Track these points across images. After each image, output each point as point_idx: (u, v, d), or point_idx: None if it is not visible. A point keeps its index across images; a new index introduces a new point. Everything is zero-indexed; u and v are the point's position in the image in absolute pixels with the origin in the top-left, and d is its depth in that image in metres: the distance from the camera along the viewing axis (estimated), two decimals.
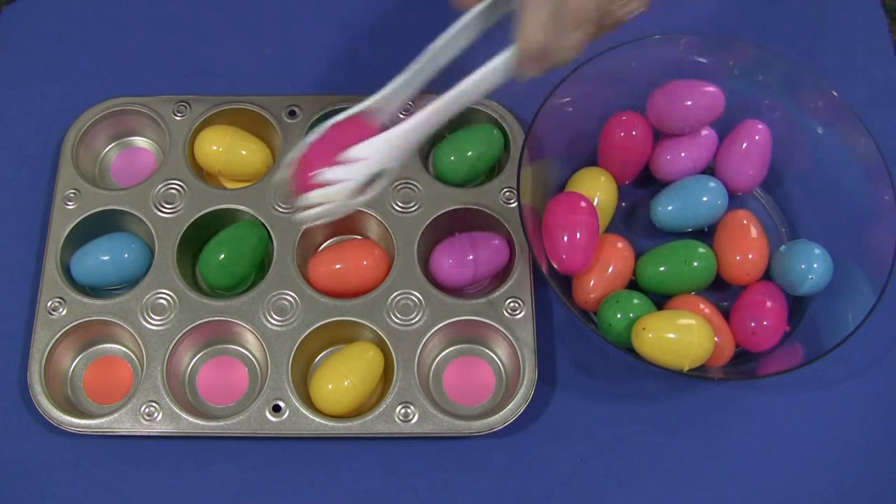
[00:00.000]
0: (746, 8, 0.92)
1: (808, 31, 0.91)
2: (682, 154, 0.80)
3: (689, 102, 0.78)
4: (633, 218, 0.82)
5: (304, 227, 0.56)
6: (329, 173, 0.55)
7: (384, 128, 0.58)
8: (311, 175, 0.55)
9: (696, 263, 0.75)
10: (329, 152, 0.56)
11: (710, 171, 0.82)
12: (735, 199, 0.81)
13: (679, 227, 0.79)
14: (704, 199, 0.78)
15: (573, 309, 0.71)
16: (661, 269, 0.76)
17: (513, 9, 0.56)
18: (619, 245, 0.76)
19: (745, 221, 0.77)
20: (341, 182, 0.56)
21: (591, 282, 0.75)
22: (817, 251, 0.74)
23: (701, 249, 0.76)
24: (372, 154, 0.57)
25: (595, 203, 0.77)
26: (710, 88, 0.78)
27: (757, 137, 0.79)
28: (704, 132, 0.80)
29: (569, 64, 0.56)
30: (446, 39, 0.58)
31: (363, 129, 0.57)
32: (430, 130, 0.59)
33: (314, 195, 0.56)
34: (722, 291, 0.78)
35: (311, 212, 0.56)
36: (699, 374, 0.72)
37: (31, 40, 0.90)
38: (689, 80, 0.79)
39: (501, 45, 0.58)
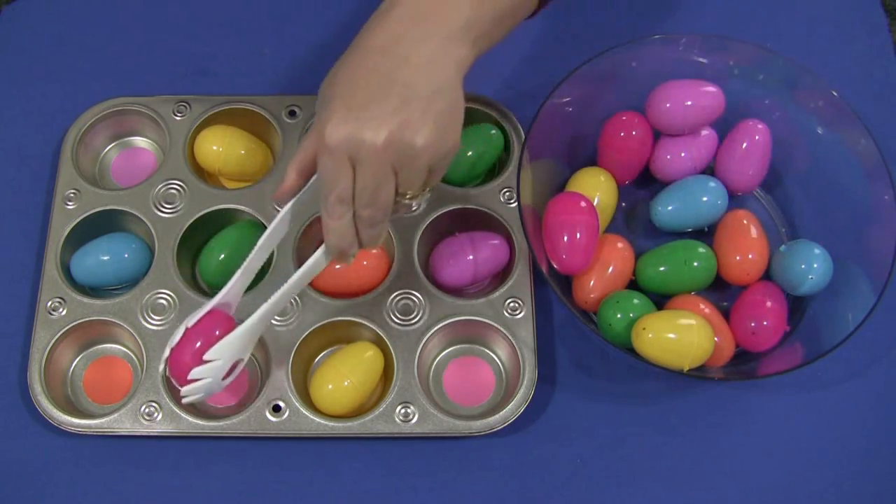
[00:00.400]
0: (746, 8, 0.92)
1: (808, 31, 0.91)
2: (682, 154, 0.79)
3: (689, 102, 0.78)
4: (633, 218, 0.82)
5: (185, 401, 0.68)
6: (196, 371, 0.65)
7: (232, 314, 0.69)
8: (184, 374, 0.66)
9: (696, 263, 0.75)
10: (196, 348, 0.66)
11: (709, 171, 0.82)
12: (735, 199, 0.81)
13: (679, 227, 0.79)
14: (704, 199, 0.78)
15: (573, 309, 0.71)
16: (661, 269, 0.76)
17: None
18: (619, 245, 0.76)
19: (745, 221, 0.77)
20: (207, 379, 0.66)
21: (591, 282, 0.75)
22: (817, 251, 0.74)
23: (701, 249, 0.76)
24: (227, 353, 0.66)
25: (595, 203, 0.77)
26: (710, 88, 0.78)
27: (757, 137, 0.78)
28: (704, 132, 0.80)
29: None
30: (268, 233, 0.67)
31: (218, 320, 0.67)
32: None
33: (188, 389, 0.66)
34: (722, 291, 0.78)
35: (190, 398, 0.66)
36: (699, 374, 0.72)
37: (31, 40, 0.90)
38: (689, 79, 0.79)
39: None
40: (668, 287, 0.76)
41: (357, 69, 0.59)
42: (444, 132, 0.59)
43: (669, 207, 0.78)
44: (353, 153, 0.58)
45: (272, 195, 0.66)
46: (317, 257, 0.66)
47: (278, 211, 0.67)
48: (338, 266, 0.71)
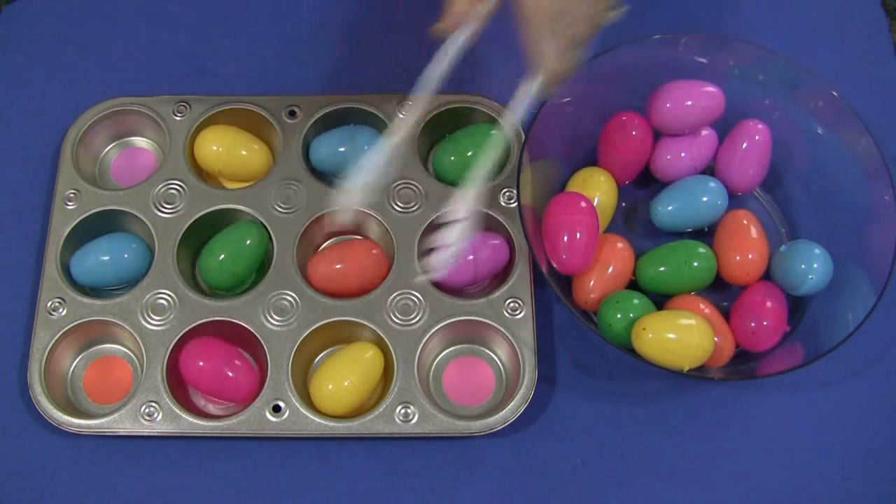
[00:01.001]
0: (746, 8, 0.92)
1: (808, 31, 0.91)
2: (682, 154, 0.79)
3: (689, 102, 0.78)
4: (633, 218, 0.82)
5: (431, 276, 0.70)
6: (441, 238, 0.67)
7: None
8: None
9: (696, 263, 0.75)
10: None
11: (709, 171, 0.82)
12: (735, 199, 0.81)
13: (679, 227, 0.79)
14: (704, 199, 0.78)
15: (573, 309, 0.71)
16: (661, 269, 0.76)
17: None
18: (619, 245, 0.76)
19: (745, 221, 0.77)
20: (453, 243, 0.68)
21: (591, 282, 0.75)
22: (817, 251, 0.74)
23: (701, 249, 0.75)
24: (465, 210, 0.68)
25: (595, 203, 0.77)
26: (710, 88, 0.78)
27: (757, 137, 0.78)
28: (704, 132, 0.80)
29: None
30: (437, 66, 0.68)
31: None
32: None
33: (436, 260, 0.68)
34: (722, 292, 0.78)
35: (438, 272, 0.70)
36: (699, 374, 0.72)
37: (31, 40, 0.90)
38: (689, 80, 0.79)
39: None
40: (668, 287, 0.76)
41: None
42: None
43: (669, 207, 0.78)
44: None
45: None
46: (532, 90, 0.67)
47: (281, 210, 0.66)
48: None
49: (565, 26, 0.63)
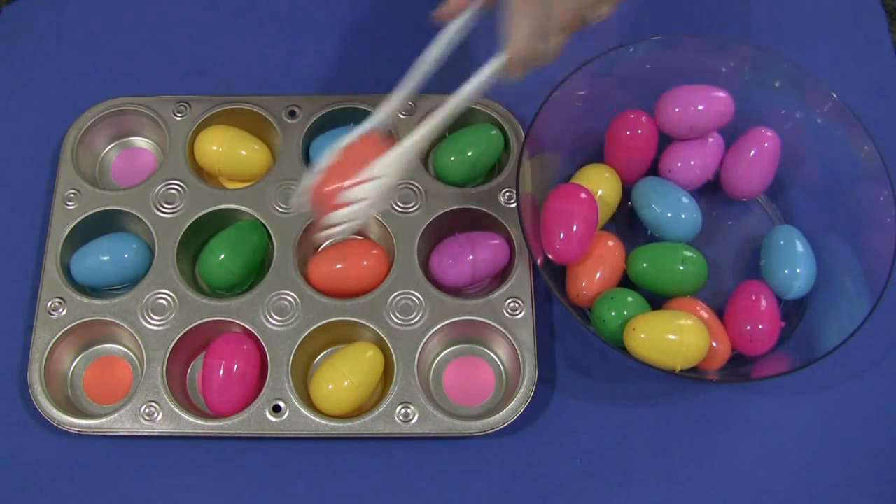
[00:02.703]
0: (745, 9, 0.92)
1: (808, 32, 0.91)
2: (692, 163, 0.79)
3: (697, 107, 0.77)
4: (637, 218, 0.81)
5: (325, 241, 0.66)
6: (350, 193, 0.61)
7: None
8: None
9: (682, 267, 0.74)
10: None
11: (715, 176, 0.81)
12: (738, 204, 0.81)
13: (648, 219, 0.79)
14: (683, 215, 0.77)
15: (565, 303, 0.71)
16: (652, 264, 0.75)
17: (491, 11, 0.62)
18: (610, 243, 0.76)
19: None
20: (361, 200, 0.62)
21: (584, 276, 0.74)
22: (800, 248, 0.74)
23: (690, 254, 0.75)
24: (386, 170, 0.63)
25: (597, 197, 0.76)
26: (720, 94, 0.77)
27: (766, 144, 0.78)
28: (711, 139, 0.80)
29: (549, 64, 0.62)
30: (433, 51, 0.64)
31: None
32: (433, 138, 0.66)
33: (338, 215, 0.62)
34: (715, 295, 0.77)
35: (335, 229, 0.62)
36: (693, 375, 0.71)
37: (31, 40, 0.90)
38: (698, 85, 0.78)
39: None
40: (657, 284, 0.75)
41: None
42: None
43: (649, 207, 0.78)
44: None
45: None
46: (489, 69, 0.62)
47: (281, 210, 0.65)
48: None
49: (544, 9, 0.58)
